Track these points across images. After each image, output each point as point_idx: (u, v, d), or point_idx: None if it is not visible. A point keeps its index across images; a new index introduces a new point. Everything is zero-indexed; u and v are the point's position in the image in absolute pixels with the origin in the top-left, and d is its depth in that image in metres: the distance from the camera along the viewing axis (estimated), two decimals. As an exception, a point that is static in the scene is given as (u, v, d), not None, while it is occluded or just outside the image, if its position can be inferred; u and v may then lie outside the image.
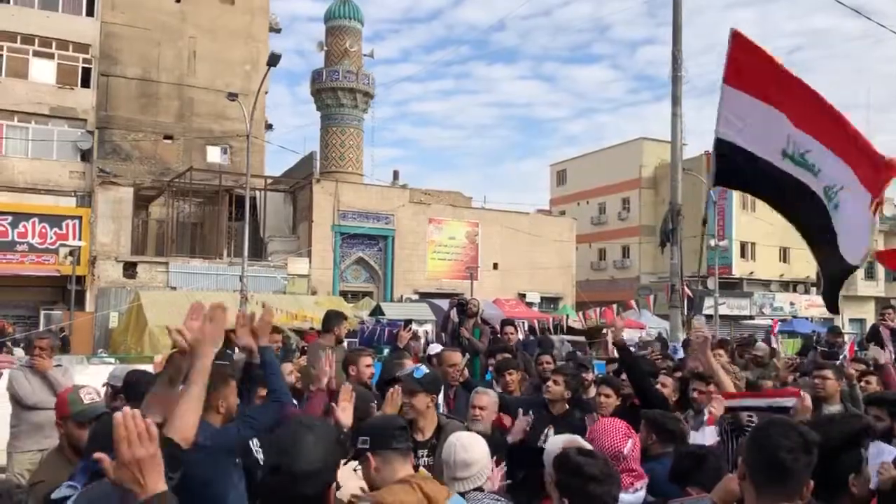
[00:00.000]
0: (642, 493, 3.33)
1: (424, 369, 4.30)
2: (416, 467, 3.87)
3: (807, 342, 15.82)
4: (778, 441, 2.25)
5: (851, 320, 41.92)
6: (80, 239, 25.82)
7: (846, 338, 14.07)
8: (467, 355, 6.28)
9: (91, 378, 6.00)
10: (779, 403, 3.79)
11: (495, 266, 34.90)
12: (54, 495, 2.63)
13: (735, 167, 5.14)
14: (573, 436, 3.13)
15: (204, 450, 2.79)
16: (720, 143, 5.11)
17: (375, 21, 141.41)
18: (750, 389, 5.99)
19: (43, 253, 26.17)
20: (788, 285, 45.27)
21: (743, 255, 43.18)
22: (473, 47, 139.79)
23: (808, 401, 3.87)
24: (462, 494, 3.02)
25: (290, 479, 1.85)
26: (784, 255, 44.94)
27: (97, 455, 1.84)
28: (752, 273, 43.44)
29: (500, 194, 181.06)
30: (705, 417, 4.07)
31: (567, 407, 5.04)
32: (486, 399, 4.61)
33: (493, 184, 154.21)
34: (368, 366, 5.45)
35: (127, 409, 1.83)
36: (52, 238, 26.31)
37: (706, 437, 3.72)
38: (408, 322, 7.67)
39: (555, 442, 2.95)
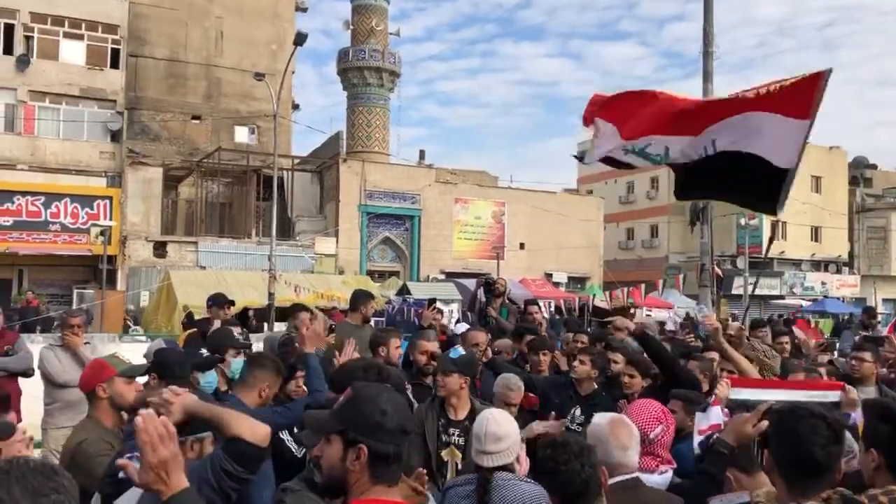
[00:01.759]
0: (669, 475, 3.29)
1: (461, 350, 4.33)
2: (447, 444, 3.92)
3: (838, 324, 15.60)
4: (809, 439, 2.19)
5: (885, 300, 41.27)
6: (110, 219, 26.15)
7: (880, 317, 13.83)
8: (489, 335, 6.23)
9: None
10: (821, 398, 3.67)
11: (522, 246, 34.78)
12: (122, 474, 2.66)
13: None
14: (619, 416, 3.09)
15: None
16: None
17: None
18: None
19: (75, 233, 26.56)
20: (820, 265, 44.59)
21: (773, 233, 42.50)
22: (499, 25, 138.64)
23: (854, 394, 3.75)
24: (491, 471, 2.98)
25: (412, 440, 1.86)
26: (815, 234, 44.23)
27: (120, 462, 1.87)
28: (782, 252, 42.79)
29: (526, 173, 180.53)
30: (711, 399, 4.03)
31: (595, 387, 4.99)
32: (514, 395, 4.56)
33: (520, 163, 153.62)
34: (397, 347, 5.48)
35: (144, 412, 1.84)
36: (83, 218, 26.69)
37: (710, 418, 3.67)
38: (431, 301, 7.62)
39: (600, 420, 2.91)
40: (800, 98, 4.62)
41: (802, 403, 3.03)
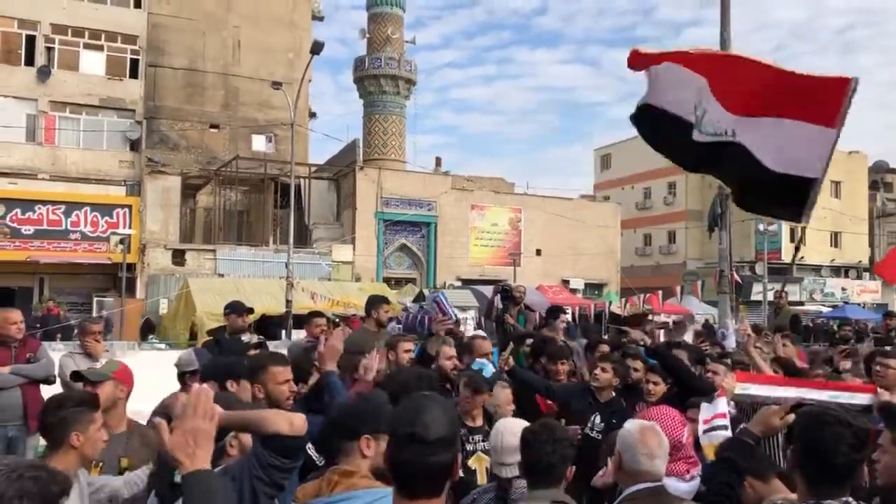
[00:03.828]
0: (696, 483, 3.27)
1: (492, 368, 4.40)
2: (472, 452, 3.99)
3: (860, 330, 15.39)
4: (834, 446, 2.23)
5: (906, 306, 40.75)
6: (130, 227, 26.39)
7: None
8: (512, 344, 6.21)
9: (141, 363, 6.12)
10: (848, 400, 3.59)
11: (538, 252, 34.70)
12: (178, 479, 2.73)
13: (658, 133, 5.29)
14: (651, 424, 3.08)
15: None
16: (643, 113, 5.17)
17: (417, 7, 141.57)
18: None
19: (95, 241, 26.80)
20: (840, 270, 44.14)
21: (793, 239, 42.17)
22: (515, 32, 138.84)
23: (886, 397, 3.67)
24: (510, 479, 3.01)
25: (427, 448, 1.82)
26: (835, 239, 43.79)
27: (156, 419, 1.90)
28: (802, 258, 42.42)
29: (543, 180, 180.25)
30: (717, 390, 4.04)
31: (614, 394, 4.97)
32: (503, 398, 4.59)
33: (536, 169, 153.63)
34: (407, 351, 5.49)
35: (201, 386, 1.92)
36: (103, 226, 26.93)
37: (717, 407, 3.69)
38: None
39: (631, 426, 2.90)
40: (827, 105, 4.51)
41: (827, 404, 3.01)
